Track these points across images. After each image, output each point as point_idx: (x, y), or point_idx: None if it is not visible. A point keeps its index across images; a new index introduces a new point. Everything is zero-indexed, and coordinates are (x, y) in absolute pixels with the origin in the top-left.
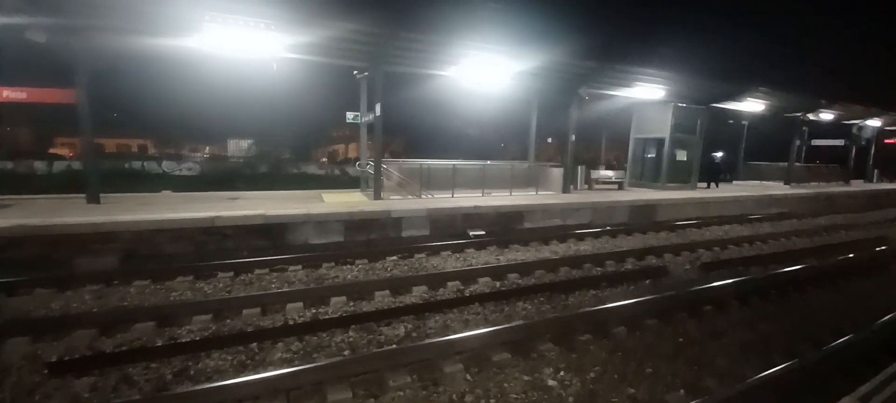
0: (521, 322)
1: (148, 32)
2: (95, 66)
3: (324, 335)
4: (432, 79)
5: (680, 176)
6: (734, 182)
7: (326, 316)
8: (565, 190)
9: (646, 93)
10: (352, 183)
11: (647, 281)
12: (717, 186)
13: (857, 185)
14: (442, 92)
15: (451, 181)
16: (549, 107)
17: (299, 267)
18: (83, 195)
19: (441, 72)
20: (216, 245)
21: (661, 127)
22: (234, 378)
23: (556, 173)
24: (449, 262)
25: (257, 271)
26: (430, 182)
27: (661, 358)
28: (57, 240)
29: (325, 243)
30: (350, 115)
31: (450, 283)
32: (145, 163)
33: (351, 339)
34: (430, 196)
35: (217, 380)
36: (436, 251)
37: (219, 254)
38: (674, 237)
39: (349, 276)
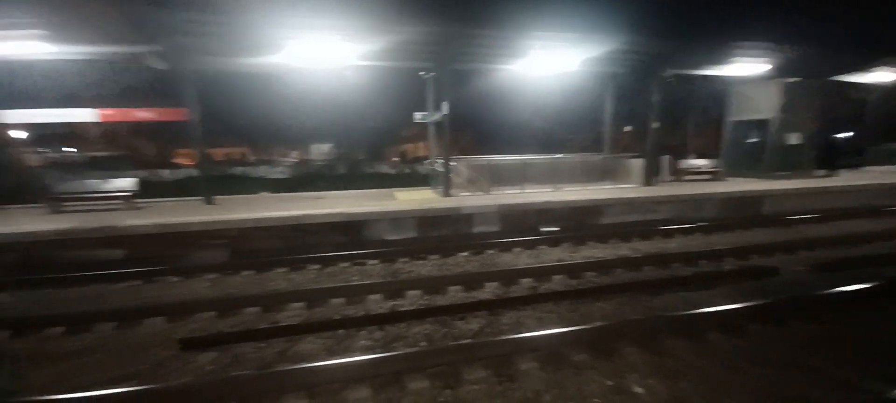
0: (601, 322)
1: (241, 53)
2: (204, 87)
3: (402, 325)
4: (499, 74)
5: (789, 162)
6: (863, 168)
7: (404, 308)
8: (647, 182)
9: (745, 70)
10: (422, 180)
11: (752, 283)
12: (839, 173)
13: None
14: (509, 85)
15: (521, 176)
16: (625, 92)
17: (377, 261)
18: (201, 198)
19: (508, 65)
20: (305, 240)
21: (766, 107)
22: (324, 360)
23: (636, 164)
24: (521, 259)
25: (340, 264)
26: (498, 177)
27: (767, 366)
28: (181, 237)
29: (399, 239)
30: (418, 115)
31: (522, 280)
32: (246, 169)
33: (427, 331)
34: (499, 191)
35: (310, 361)
36: (507, 247)
37: (307, 248)
38: (785, 233)
39: (423, 271)
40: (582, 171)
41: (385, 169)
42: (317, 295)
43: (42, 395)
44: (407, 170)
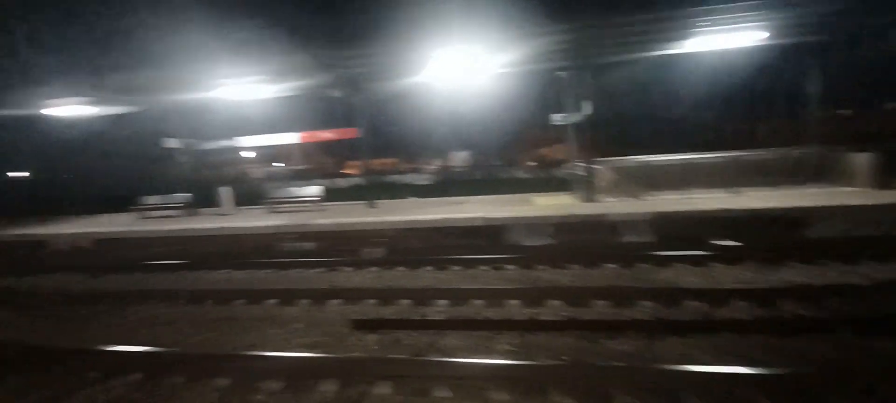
0: (805, 369)
1: (395, 76)
2: (368, 110)
3: (542, 335)
4: (649, 63)
5: None
6: None
7: (544, 317)
8: (884, 184)
9: None
10: (560, 185)
11: None
12: None
13: None
14: (664, 74)
15: (682, 178)
16: (838, 67)
17: (515, 267)
18: (364, 202)
19: (664, 51)
20: (448, 242)
21: None
22: (468, 357)
23: (862, 160)
24: (684, 276)
25: (480, 267)
26: (653, 181)
27: None
28: (352, 235)
29: (537, 245)
30: (556, 117)
31: (688, 302)
32: (397, 177)
33: (570, 345)
34: (654, 197)
35: (456, 356)
36: (664, 262)
37: (450, 250)
38: None
39: (563, 280)
40: (773, 170)
41: (521, 174)
42: (459, 294)
43: (267, 351)
44: (544, 175)
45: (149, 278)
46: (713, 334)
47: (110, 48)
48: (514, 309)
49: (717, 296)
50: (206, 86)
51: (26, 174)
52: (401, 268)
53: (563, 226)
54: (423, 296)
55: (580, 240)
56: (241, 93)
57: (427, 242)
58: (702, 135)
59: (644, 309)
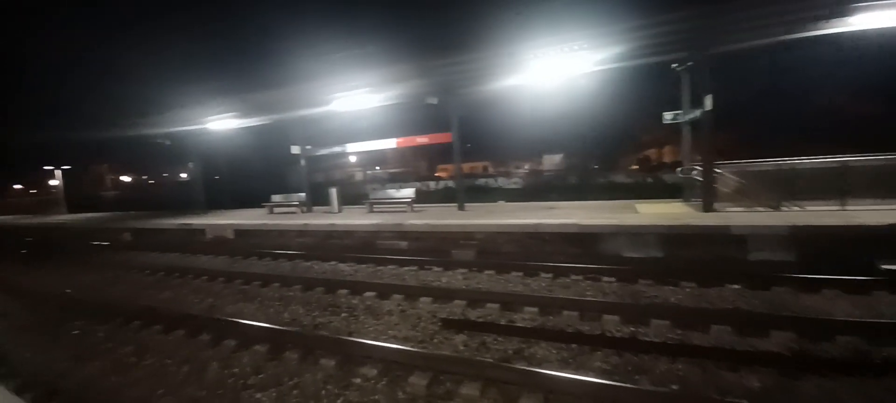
0: None
1: (487, 78)
2: (460, 114)
3: (645, 357)
4: (790, 49)
5: None
6: None
7: (647, 338)
8: None
9: None
10: (669, 191)
11: None
12: None
13: None
14: (809, 60)
15: (838, 186)
16: None
17: (613, 279)
18: (454, 205)
19: (816, 31)
20: (538, 248)
21: None
22: (559, 370)
23: None
24: (838, 305)
25: (572, 276)
26: (793, 188)
27: None
28: (442, 236)
29: (640, 257)
30: (668, 115)
31: (841, 337)
32: (487, 180)
33: (680, 372)
34: (795, 207)
35: (545, 368)
36: (811, 287)
37: (540, 256)
38: None
39: (672, 299)
40: None
41: (621, 178)
42: (550, 303)
43: (366, 339)
44: (649, 180)
45: (273, 264)
46: (869, 377)
47: (251, 70)
48: (612, 324)
49: (880, 331)
50: (323, 101)
51: (184, 176)
52: (489, 272)
53: (674, 237)
54: (511, 301)
55: (695, 255)
56: (349, 105)
57: (516, 247)
58: (862, 131)
59: (778, 341)
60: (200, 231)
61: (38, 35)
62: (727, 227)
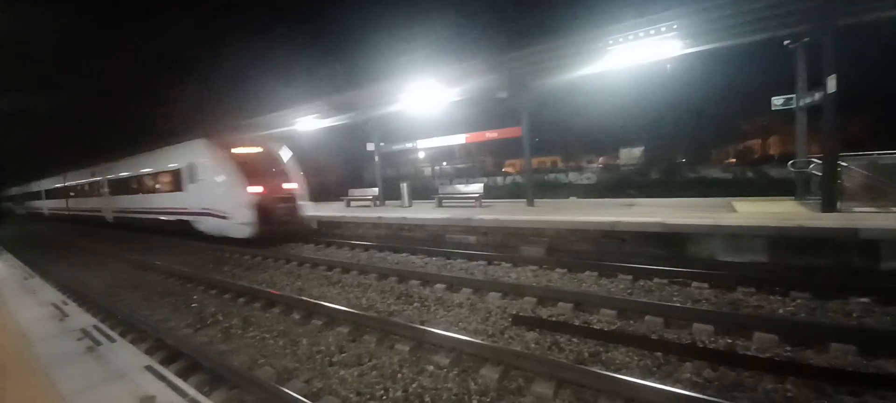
0: None
1: (561, 68)
2: (531, 108)
3: (745, 373)
4: None
5: None
6: None
7: (748, 352)
8: None
9: None
10: (774, 188)
11: None
12: None
13: None
14: None
15: None
16: None
17: (706, 284)
18: (523, 200)
19: None
20: (615, 247)
21: None
22: (642, 378)
23: None
24: None
25: (656, 279)
26: None
27: None
28: (511, 232)
29: (740, 262)
30: (778, 100)
31: None
32: (557, 175)
33: (790, 393)
34: None
35: (625, 374)
36: None
37: (618, 257)
38: None
39: (780, 310)
40: None
41: (714, 173)
42: (630, 306)
43: (437, 329)
44: (749, 175)
45: (350, 254)
46: None
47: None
48: (704, 334)
49: None
50: (394, 99)
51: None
52: (560, 270)
53: (783, 240)
54: (585, 302)
55: (810, 262)
56: (421, 102)
57: (591, 245)
58: None
59: None
60: None
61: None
62: (854, 230)
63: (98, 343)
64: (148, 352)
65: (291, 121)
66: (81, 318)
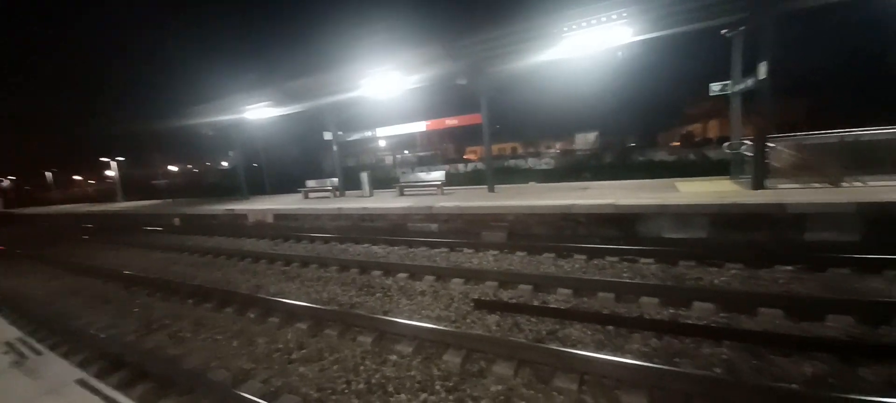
0: None
1: (519, 54)
2: (489, 95)
3: (688, 341)
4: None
5: None
6: None
7: (689, 321)
8: None
9: None
10: (714, 169)
11: None
12: None
13: None
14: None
15: None
16: None
17: (652, 260)
18: (484, 186)
19: None
20: (571, 230)
21: None
22: (595, 352)
23: None
24: None
25: (608, 258)
26: (861, 162)
27: None
28: (472, 218)
29: (682, 238)
30: (715, 86)
31: None
32: (516, 161)
33: (725, 356)
34: (860, 183)
35: (579, 349)
36: (872, 267)
37: (574, 238)
38: None
39: (716, 281)
40: None
41: (661, 156)
42: (584, 284)
43: (400, 318)
44: (691, 157)
45: (310, 247)
46: None
47: (284, 59)
48: (651, 307)
49: None
50: (352, 86)
51: (225, 164)
52: (520, 253)
53: (720, 217)
54: (543, 283)
55: (743, 236)
56: (378, 89)
57: (548, 229)
58: None
59: (837, 325)
60: (243, 216)
61: (85, 32)
62: (780, 205)
63: (24, 357)
64: (83, 364)
65: (240, 109)
66: (6, 331)
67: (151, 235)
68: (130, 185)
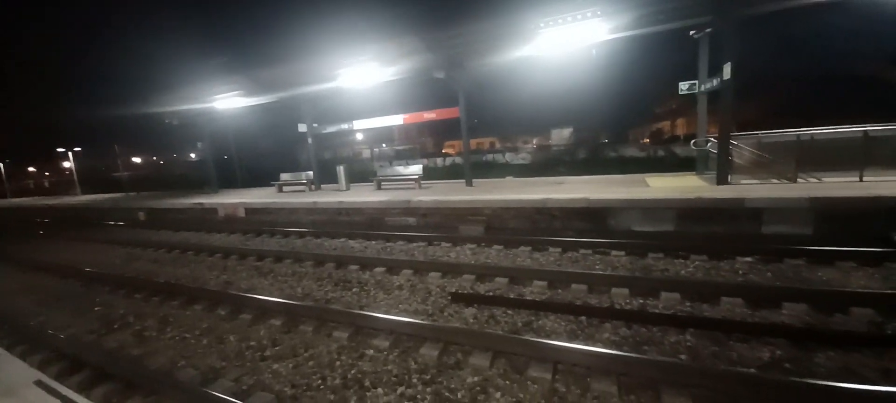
0: None
1: (496, 48)
2: (467, 89)
3: (655, 329)
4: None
5: None
6: None
7: (656, 310)
8: None
9: None
10: (681, 165)
11: None
12: None
13: None
14: (842, 23)
15: (859, 157)
16: None
17: (623, 252)
18: (462, 181)
19: None
20: (546, 223)
21: None
22: (568, 341)
23: None
24: (853, 278)
25: (582, 251)
26: (814, 160)
27: None
28: (450, 212)
29: (651, 231)
30: (683, 86)
31: (856, 309)
32: (494, 156)
33: (689, 343)
34: (813, 179)
35: (554, 339)
36: (826, 258)
37: (549, 231)
38: None
39: (682, 272)
40: None
41: (632, 152)
42: (559, 277)
43: (377, 313)
44: (660, 153)
45: (285, 241)
46: (882, 349)
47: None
48: (621, 297)
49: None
50: (329, 76)
51: (194, 156)
52: (497, 247)
53: (686, 212)
54: (519, 276)
55: (707, 229)
56: (355, 80)
57: (525, 222)
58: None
59: (792, 313)
60: (212, 210)
61: (42, 17)
62: (741, 200)
63: None
64: (40, 365)
65: (208, 99)
66: None
67: (113, 230)
68: (90, 177)
